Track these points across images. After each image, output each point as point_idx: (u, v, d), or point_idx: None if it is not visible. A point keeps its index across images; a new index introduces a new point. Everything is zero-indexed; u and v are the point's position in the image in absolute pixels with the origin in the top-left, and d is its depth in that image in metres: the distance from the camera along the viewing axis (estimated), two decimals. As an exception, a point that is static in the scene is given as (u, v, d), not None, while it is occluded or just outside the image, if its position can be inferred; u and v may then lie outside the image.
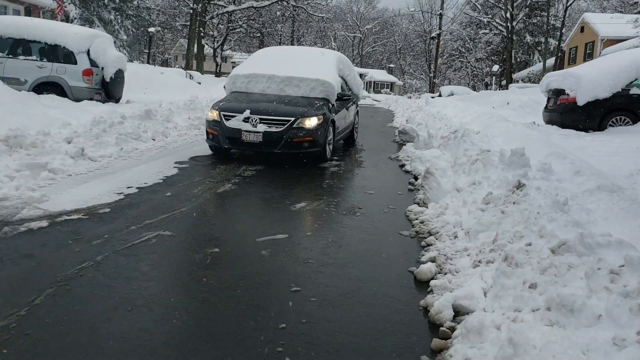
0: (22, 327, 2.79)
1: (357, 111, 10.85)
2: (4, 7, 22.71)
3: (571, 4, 40.10)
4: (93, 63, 11.66)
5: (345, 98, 9.02)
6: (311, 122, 7.56)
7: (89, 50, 11.62)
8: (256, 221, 5.04)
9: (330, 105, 8.32)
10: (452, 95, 31.91)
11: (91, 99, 11.31)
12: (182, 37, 54.24)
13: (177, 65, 55.94)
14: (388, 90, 65.82)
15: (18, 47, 11.34)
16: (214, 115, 7.82)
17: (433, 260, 3.90)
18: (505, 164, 5.38)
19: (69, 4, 39.16)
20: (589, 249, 3.09)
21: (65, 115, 8.52)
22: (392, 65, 77.39)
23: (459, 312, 3.09)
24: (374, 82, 67.52)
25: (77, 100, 10.98)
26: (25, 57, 11.29)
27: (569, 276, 2.93)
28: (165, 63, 66.10)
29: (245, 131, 7.44)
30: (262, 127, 7.41)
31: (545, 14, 42.02)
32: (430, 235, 4.55)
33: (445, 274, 3.68)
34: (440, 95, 34.27)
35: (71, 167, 6.44)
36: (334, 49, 62.32)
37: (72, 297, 3.16)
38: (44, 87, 11.08)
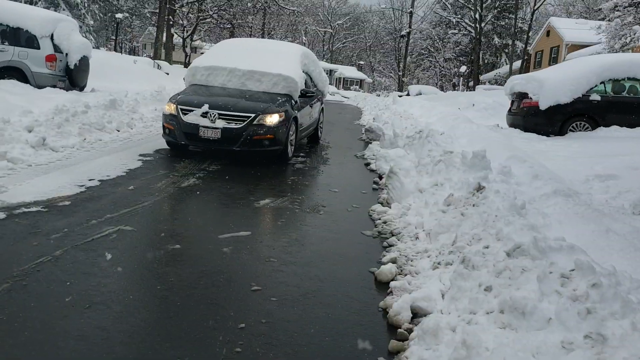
0: (-25, 323, 2.73)
1: (322, 108, 10.57)
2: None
3: (538, 7, 40.89)
4: (57, 48, 11.35)
5: (309, 95, 8.77)
6: (272, 119, 7.28)
7: (52, 35, 11.31)
8: (219, 217, 5.02)
9: (293, 102, 8.06)
10: (420, 94, 32.27)
11: (54, 86, 11.03)
12: (151, 24, 53.26)
13: (146, 54, 55.00)
14: (357, 87, 65.98)
15: (-23, 29, 10.97)
16: (171, 108, 7.46)
17: (394, 261, 3.96)
18: (467, 166, 5.49)
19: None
20: (542, 253, 3.19)
21: (27, 103, 8.29)
22: (362, 62, 77.65)
23: (417, 314, 3.15)
24: (344, 78, 67.60)
25: (39, 86, 10.69)
26: (-16, 40, 10.94)
27: (522, 279, 3.02)
28: (133, 51, 64.93)
29: (203, 127, 7.12)
30: (220, 123, 7.12)
31: (513, 16, 42.76)
32: (392, 235, 4.61)
33: (406, 275, 3.74)
34: (408, 94, 34.61)
35: (31, 157, 6.31)
36: (304, 44, 62.24)
37: (29, 293, 3.10)
38: (4, 71, 10.73)
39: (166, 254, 3.89)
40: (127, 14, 39.92)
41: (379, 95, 41.09)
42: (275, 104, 7.56)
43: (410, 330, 2.99)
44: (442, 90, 47.13)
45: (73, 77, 11.79)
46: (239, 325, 2.93)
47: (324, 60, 69.65)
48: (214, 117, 7.14)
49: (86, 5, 40.19)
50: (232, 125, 7.14)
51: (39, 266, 3.47)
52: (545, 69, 13.29)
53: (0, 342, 2.59)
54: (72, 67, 11.63)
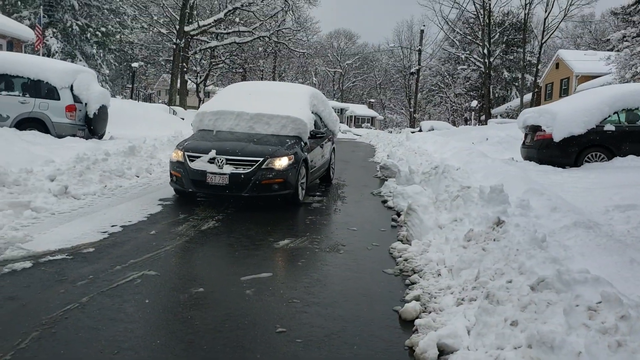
0: (7, 372, 2.77)
1: (334, 148, 10.46)
2: (-13, 42, 22.75)
3: (546, 40, 41.33)
4: (76, 99, 11.72)
5: (319, 135, 8.63)
6: (281, 163, 7.14)
7: (72, 86, 11.68)
8: (240, 259, 5.06)
9: (303, 144, 7.91)
10: (433, 130, 32.40)
11: (74, 135, 11.35)
12: (165, 72, 54.56)
13: (160, 101, 56.14)
14: (369, 124, 66.53)
15: (0, 82, 11.34)
16: (178, 155, 7.36)
17: (417, 298, 3.95)
18: (485, 201, 5.50)
19: (51, 37, 39.35)
20: (567, 286, 3.18)
21: (48, 152, 8.51)
22: (372, 100, 78.42)
23: (443, 351, 3.13)
24: (355, 116, 68.26)
25: (60, 136, 10.99)
26: (7, 92, 11.33)
27: (548, 313, 3.01)
28: (148, 98, 66.28)
29: (211, 173, 6.99)
30: (228, 169, 6.98)
31: (522, 50, 43.19)
32: (414, 273, 4.61)
33: (430, 312, 3.73)
34: (420, 130, 34.77)
35: (54, 206, 6.43)
36: (315, 84, 63.05)
37: (58, 341, 3.14)
38: (26, 123, 11.09)
39: (190, 298, 3.92)
40: (141, 63, 41.04)
41: (391, 132, 41.35)
42: (284, 146, 7.44)
43: (437, 369, 2.97)
44: (454, 125, 47.32)
45: (92, 126, 12.10)
46: (266, 368, 2.94)
47: (335, 99, 70.57)
48: (221, 162, 7.03)
49: (102, 55, 41.32)
50: (240, 170, 7.00)
51: (66, 313, 3.52)
52: (557, 101, 13.36)
53: (32, 391, 2.62)
54: (91, 116, 11.97)
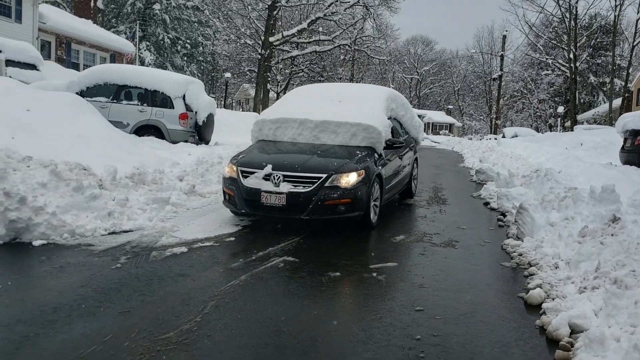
0: (203, 329, 3.36)
1: (416, 159, 9.17)
2: (93, 55, 24.76)
3: (638, 43, 39.54)
4: (188, 107, 12.65)
5: (397, 145, 7.43)
6: (349, 179, 6.08)
7: (184, 95, 12.64)
8: (364, 250, 5.55)
9: (377, 156, 6.81)
10: (516, 136, 31.82)
11: (186, 141, 12.27)
12: (246, 81, 56.57)
13: (241, 109, 58.19)
14: (446, 131, 66.01)
15: (121, 92, 12.50)
16: (231, 171, 6.45)
17: (540, 287, 4.27)
18: (596, 200, 5.71)
19: (145, 50, 41.92)
20: (696, 275, 3.42)
21: (172, 156, 9.38)
22: (450, 107, 77.56)
23: (573, 331, 3.45)
24: (432, 123, 67.85)
25: (174, 142, 11.94)
26: (127, 101, 12.44)
27: (678, 297, 3.27)
28: (228, 107, 68.73)
29: (266, 192, 6.01)
30: (285, 187, 5.98)
31: (610, 53, 41.53)
32: (531, 266, 4.90)
33: (554, 299, 4.04)
34: (503, 136, 34.21)
35: (187, 202, 7.19)
36: (393, 91, 63.05)
37: (232, 309, 3.73)
38: (143, 129, 12.14)
39: (330, 280, 4.43)
40: (229, 74, 42.94)
41: (470, 139, 40.90)
42: (353, 160, 6.38)
43: (571, 344, 3.30)
44: (537, 131, 46.07)
45: (201, 133, 13.04)
46: (416, 337, 3.38)
47: (412, 106, 70.34)
48: (278, 179, 6.05)
49: (187, 66, 43.61)
50: (300, 189, 5.99)
51: (231, 288, 4.12)
52: (658, 105, 13.05)
53: (226, 344, 3.19)
54: (200, 123, 12.89)
